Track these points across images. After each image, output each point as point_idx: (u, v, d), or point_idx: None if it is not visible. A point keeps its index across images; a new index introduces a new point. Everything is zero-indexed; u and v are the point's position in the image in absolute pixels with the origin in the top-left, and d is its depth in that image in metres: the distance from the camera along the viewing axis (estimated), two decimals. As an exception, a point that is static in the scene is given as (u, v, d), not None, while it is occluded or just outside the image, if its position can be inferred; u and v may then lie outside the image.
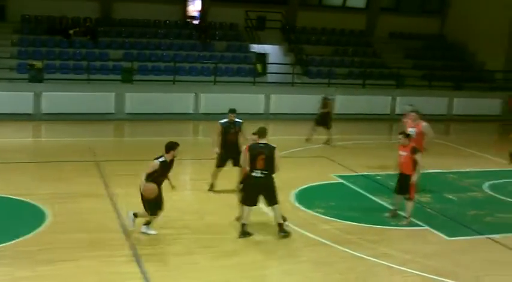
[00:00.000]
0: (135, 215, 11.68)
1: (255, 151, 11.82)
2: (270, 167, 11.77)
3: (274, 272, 10.57)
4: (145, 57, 28.27)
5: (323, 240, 12.03)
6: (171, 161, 11.58)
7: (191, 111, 26.19)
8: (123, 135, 24.42)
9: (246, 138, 13.82)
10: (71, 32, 28.18)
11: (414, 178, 13.06)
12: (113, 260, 10.46)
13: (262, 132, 12.02)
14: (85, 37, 28.44)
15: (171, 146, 11.53)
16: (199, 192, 15.22)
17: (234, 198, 13.16)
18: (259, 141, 11.95)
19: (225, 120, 15.07)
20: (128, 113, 25.40)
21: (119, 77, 26.80)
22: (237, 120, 15.02)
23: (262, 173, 11.79)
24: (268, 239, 11.97)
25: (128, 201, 13.24)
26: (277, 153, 11.87)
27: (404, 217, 13.44)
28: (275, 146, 11.94)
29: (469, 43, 34.91)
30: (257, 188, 11.94)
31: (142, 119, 25.17)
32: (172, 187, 11.81)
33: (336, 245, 11.79)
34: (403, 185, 13.26)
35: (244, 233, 11.94)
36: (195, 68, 28.16)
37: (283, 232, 12.06)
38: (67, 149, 19.47)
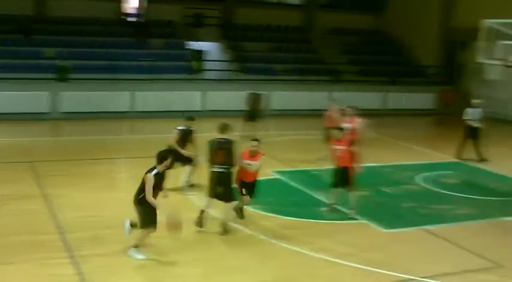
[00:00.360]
0: (132, 225, 11.00)
1: (215, 146, 11.94)
2: (229, 161, 11.91)
3: (214, 268, 10.55)
4: (81, 55, 27.79)
5: (262, 237, 12.09)
6: (163, 172, 10.72)
7: (128, 110, 25.91)
8: (58, 135, 23.94)
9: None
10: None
11: (358, 169, 13.33)
12: (49, 262, 10.27)
13: (223, 128, 12.11)
14: (18, 35, 27.81)
15: (164, 156, 10.63)
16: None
17: (175, 197, 13.15)
18: (220, 137, 12.05)
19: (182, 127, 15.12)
20: (63, 112, 24.96)
21: (53, 75, 26.28)
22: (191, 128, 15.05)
23: (222, 168, 11.92)
24: (210, 236, 11.97)
25: (62, 203, 13.04)
26: (236, 148, 12.00)
27: (343, 211, 13.64)
28: (234, 140, 12.07)
29: (406, 38, 35.53)
30: (216, 182, 12.02)
31: (78, 118, 24.76)
32: (165, 196, 10.98)
33: (275, 241, 11.87)
34: (343, 178, 13.43)
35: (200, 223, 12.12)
36: (131, 66, 27.85)
37: (224, 230, 12.12)
38: (0, 150, 19.06)
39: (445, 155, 20.78)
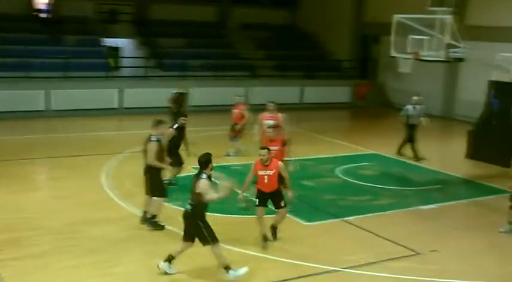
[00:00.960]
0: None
1: (145, 146, 12.17)
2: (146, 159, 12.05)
3: (132, 268, 10.41)
4: (-9, 52, 26.85)
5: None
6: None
7: (42, 109, 25.23)
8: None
9: None
10: None
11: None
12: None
13: (155, 124, 12.28)
14: None
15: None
16: (55, 191, 14.82)
17: (87, 197, 13.06)
18: (152, 134, 12.18)
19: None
20: (-28, 113, 24.06)
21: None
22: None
23: (146, 165, 12.16)
24: (129, 235, 11.82)
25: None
26: (151, 146, 11.97)
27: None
28: (154, 139, 12.02)
29: (320, 33, 36.01)
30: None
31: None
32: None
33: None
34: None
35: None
36: (45, 64, 27.07)
37: (150, 224, 12.16)
38: None
39: (363, 148, 21.19)
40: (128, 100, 26.81)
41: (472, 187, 16.90)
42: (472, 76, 26.22)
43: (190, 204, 10.06)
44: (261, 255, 11.09)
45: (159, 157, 12.11)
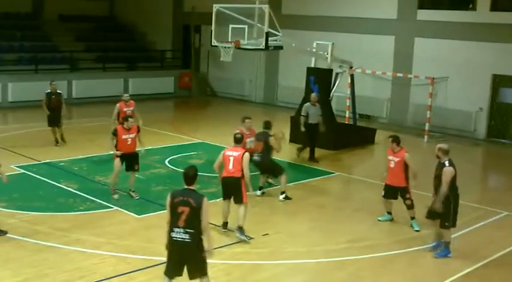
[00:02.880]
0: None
1: None
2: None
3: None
4: None
5: (10, 235, 11.46)
6: None
7: None
8: None
9: None
10: None
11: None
12: None
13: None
14: None
15: None
16: None
17: None
18: None
19: None
20: None
21: None
22: None
23: None
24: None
25: None
26: None
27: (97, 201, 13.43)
28: None
29: (138, 24, 35.66)
30: None
31: None
32: None
33: (25, 238, 11.34)
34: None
35: None
36: None
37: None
38: None
39: (190, 137, 21.29)
40: None
41: (296, 170, 17.51)
42: (291, 63, 27.16)
43: (187, 232, 8.35)
44: (97, 251, 10.83)
45: None
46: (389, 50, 25.25)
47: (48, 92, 19.01)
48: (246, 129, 14.69)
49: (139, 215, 13.07)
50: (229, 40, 19.17)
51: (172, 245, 8.43)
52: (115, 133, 13.96)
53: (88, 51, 31.71)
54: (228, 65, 26.76)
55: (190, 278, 8.54)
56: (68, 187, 14.74)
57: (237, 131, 13.04)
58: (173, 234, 8.36)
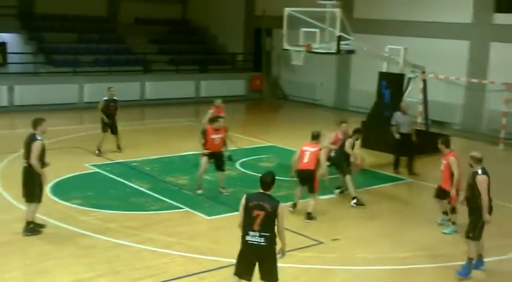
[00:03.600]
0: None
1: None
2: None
3: (30, 271, 10.06)
4: None
5: (84, 232, 11.77)
6: None
7: None
8: None
9: None
10: None
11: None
12: None
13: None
14: None
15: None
16: None
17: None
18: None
19: None
20: None
21: None
22: None
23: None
24: (23, 237, 11.43)
25: None
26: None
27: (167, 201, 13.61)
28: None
29: (210, 27, 36.06)
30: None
31: None
32: None
33: (97, 235, 11.60)
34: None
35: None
36: None
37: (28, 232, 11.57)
38: None
39: (260, 140, 21.36)
40: (19, 97, 25.83)
41: (368, 175, 17.34)
42: (363, 68, 26.91)
43: (263, 235, 8.36)
44: (167, 251, 10.98)
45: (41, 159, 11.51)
46: (464, 55, 24.74)
47: (106, 99, 18.50)
48: (341, 133, 15.11)
49: (209, 216, 13.19)
50: (301, 44, 19.16)
51: (247, 248, 8.45)
52: (204, 133, 14.56)
53: (161, 53, 32.23)
54: (299, 69, 26.71)
55: (262, 279, 8.56)
56: (140, 187, 15.00)
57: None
58: (248, 238, 8.38)
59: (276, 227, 8.37)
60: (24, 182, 11.53)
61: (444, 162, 12.43)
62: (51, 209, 13.01)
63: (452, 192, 12.25)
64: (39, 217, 12.40)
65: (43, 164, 11.51)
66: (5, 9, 30.25)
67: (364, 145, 20.14)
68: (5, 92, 25.52)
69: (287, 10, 19.49)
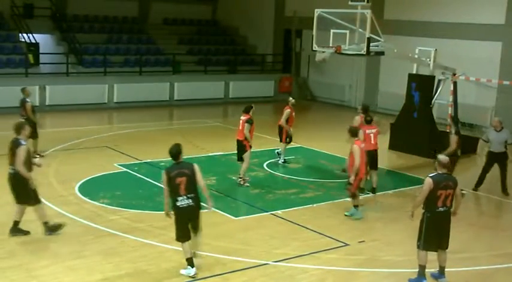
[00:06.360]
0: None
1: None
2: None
3: (57, 269, 10.15)
4: None
5: (112, 231, 11.86)
6: None
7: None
8: None
9: None
10: None
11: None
12: None
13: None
14: None
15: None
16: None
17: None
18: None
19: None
20: None
21: None
22: None
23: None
24: (52, 235, 11.54)
25: None
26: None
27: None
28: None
29: (240, 28, 36.11)
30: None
31: None
32: None
33: (125, 235, 11.68)
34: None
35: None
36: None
37: (49, 231, 11.62)
38: None
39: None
40: (50, 97, 26.10)
41: (396, 178, 17.24)
42: (392, 69, 26.73)
43: (189, 197, 9.94)
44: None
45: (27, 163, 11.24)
46: (496, 57, 24.42)
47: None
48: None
49: (236, 216, 13.21)
50: (331, 45, 19.08)
51: (180, 212, 9.84)
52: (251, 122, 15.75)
53: (190, 54, 32.35)
54: (328, 70, 26.67)
55: (194, 233, 10.05)
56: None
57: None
58: (178, 203, 9.79)
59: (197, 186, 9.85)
60: (15, 188, 11.34)
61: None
62: (80, 208, 13.17)
63: (352, 178, 12.78)
64: (68, 216, 12.57)
65: (30, 167, 11.33)
66: (39, 10, 30.67)
67: (393, 147, 20.05)
68: (37, 91, 25.79)
69: (317, 11, 19.42)
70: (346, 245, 11.73)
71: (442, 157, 10.13)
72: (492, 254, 11.77)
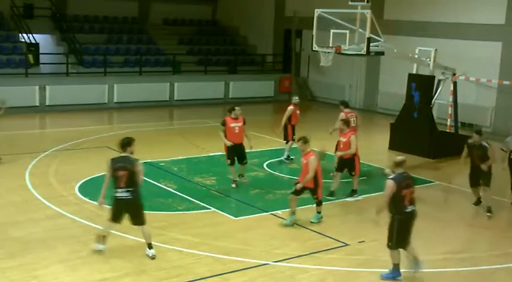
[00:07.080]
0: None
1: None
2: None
3: (58, 269, 10.16)
4: None
5: (112, 231, 11.81)
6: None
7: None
8: None
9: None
10: None
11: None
12: None
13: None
14: None
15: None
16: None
17: (11, 198, 12.58)
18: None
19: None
20: None
21: None
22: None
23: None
24: (53, 235, 11.54)
25: None
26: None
27: (193, 201, 13.63)
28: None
29: (240, 28, 36.12)
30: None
31: None
32: None
33: (124, 235, 11.64)
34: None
35: None
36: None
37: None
38: None
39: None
40: (50, 97, 26.10)
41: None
42: (392, 69, 26.74)
43: (128, 191, 10.37)
44: (193, 251, 11.01)
45: None
46: (496, 57, 24.41)
47: None
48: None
49: (236, 216, 13.21)
50: (331, 45, 19.09)
51: (117, 202, 10.41)
52: (224, 123, 15.00)
53: (190, 54, 32.35)
54: (328, 70, 26.61)
55: (134, 224, 10.63)
56: (167, 187, 15.08)
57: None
58: (117, 194, 10.33)
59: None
60: None
61: (304, 161, 12.58)
62: (80, 208, 13.18)
63: (299, 186, 12.50)
64: (68, 216, 12.59)
65: None
66: (39, 10, 30.68)
67: (392, 147, 20.06)
68: (37, 92, 25.80)
69: (318, 11, 19.43)
70: (346, 245, 11.73)
71: (398, 157, 10.31)
72: (492, 254, 11.78)
